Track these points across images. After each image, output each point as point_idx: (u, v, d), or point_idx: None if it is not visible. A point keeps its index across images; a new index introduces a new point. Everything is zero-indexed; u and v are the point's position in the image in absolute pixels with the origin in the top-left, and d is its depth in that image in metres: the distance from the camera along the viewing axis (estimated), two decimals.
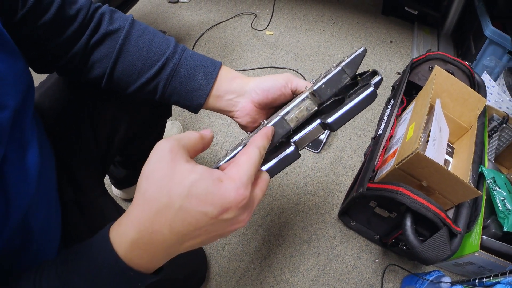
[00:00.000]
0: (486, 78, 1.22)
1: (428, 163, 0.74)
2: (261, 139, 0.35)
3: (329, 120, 0.39)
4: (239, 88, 0.49)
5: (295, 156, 0.39)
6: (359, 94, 0.38)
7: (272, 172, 0.38)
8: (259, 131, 0.37)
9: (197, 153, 0.32)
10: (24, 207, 0.38)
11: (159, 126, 0.82)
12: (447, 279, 0.83)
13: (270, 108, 0.51)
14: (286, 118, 0.40)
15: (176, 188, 0.27)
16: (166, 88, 0.49)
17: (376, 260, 0.95)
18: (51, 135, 0.53)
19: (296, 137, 0.41)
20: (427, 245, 0.71)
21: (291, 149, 0.39)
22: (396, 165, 0.79)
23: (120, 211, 0.66)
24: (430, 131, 0.82)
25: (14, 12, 0.40)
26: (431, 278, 0.85)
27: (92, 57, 0.47)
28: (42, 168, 0.43)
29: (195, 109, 0.51)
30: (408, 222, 0.74)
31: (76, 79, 0.51)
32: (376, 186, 0.77)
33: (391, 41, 1.50)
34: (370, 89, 0.37)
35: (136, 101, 0.63)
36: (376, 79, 0.40)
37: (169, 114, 0.78)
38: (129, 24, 0.47)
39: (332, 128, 0.40)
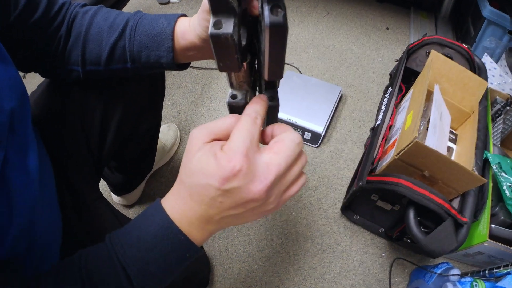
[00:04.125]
0: (487, 60, 1.18)
1: (428, 152, 0.71)
2: (251, 105, 0.34)
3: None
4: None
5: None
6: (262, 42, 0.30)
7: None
8: (251, 101, 0.36)
9: (227, 136, 0.33)
10: (28, 211, 0.39)
11: (152, 130, 0.81)
12: (455, 271, 0.80)
13: None
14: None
15: (188, 166, 0.31)
16: (132, 44, 0.48)
17: (383, 254, 0.93)
18: (45, 141, 0.54)
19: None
20: (432, 237, 0.69)
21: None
22: (396, 155, 0.76)
23: (116, 214, 0.67)
24: (429, 119, 0.79)
25: (8, 15, 0.43)
26: (439, 271, 0.83)
27: (69, 43, 0.49)
28: (42, 172, 0.45)
29: (169, 59, 0.48)
30: (411, 214, 0.72)
31: (60, 77, 0.53)
32: (376, 179, 0.75)
33: (387, 28, 1.47)
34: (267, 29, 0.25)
35: (125, 98, 0.63)
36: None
37: (157, 118, 0.79)
38: (99, 7, 0.51)
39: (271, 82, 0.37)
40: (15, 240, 0.37)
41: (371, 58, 1.34)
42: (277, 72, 0.30)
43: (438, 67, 0.90)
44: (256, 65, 0.38)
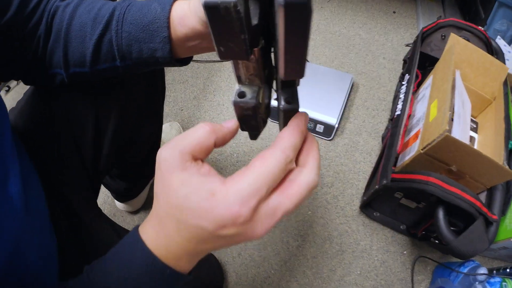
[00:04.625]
0: (500, 43, 1.13)
1: (459, 146, 0.66)
2: (289, 135, 0.26)
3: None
4: None
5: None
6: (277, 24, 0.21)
7: None
8: (289, 124, 0.28)
9: (209, 150, 0.27)
10: (12, 241, 0.35)
11: (154, 134, 0.75)
12: (483, 270, 0.76)
13: None
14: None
15: (172, 200, 0.25)
16: (120, 37, 0.40)
17: (405, 252, 0.89)
18: (33, 158, 0.48)
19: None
20: (463, 238, 0.64)
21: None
22: (422, 150, 0.71)
23: (119, 231, 0.62)
24: (454, 108, 0.74)
25: None
26: (465, 270, 0.79)
27: (49, 43, 0.42)
28: (29, 197, 0.41)
29: (165, 52, 0.40)
30: (441, 214, 0.67)
31: (44, 83, 0.47)
32: (402, 176, 0.69)
33: (394, 12, 1.40)
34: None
35: (120, 103, 0.56)
36: None
37: (159, 121, 0.73)
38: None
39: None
40: (2, 272, 0.34)
41: (380, 43, 1.27)
42: (296, 69, 0.22)
43: (459, 51, 0.84)
44: (273, 54, 0.30)
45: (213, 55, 1.22)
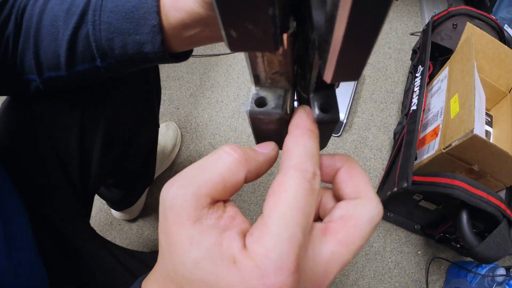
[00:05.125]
0: (509, 31, 1.09)
1: (486, 146, 0.62)
2: (295, 143, 0.19)
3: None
4: None
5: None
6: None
7: None
8: (290, 128, 0.20)
9: (237, 188, 0.19)
10: None
11: (149, 141, 0.68)
12: (501, 270, 0.73)
13: None
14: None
15: (178, 267, 0.17)
16: (98, 29, 0.33)
17: (419, 252, 0.85)
18: (13, 178, 0.42)
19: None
20: (487, 243, 0.61)
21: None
22: (443, 149, 0.66)
23: (116, 254, 0.56)
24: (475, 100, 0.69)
25: None
26: (483, 271, 0.76)
27: (19, 44, 0.35)
28: (10, 225, 0.37)
29: (156, 45, 0.32)
30: (464, 219, 0.63)
31: (18, 92, 0.39)
32: (425, 179, 0.65)
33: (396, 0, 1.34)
34: None
35: (108, 109, 0.48)
36: None
37: (154, 126, 0.65)
38: None
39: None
40: None
41: (384, 32, 1.22)
42: (353, 69, 0.15)
43: (474, 41, 0.79)
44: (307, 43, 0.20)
45: (210, 48, 1.15)
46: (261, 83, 0.20)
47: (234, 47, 0.15)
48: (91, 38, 0.33)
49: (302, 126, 0.19)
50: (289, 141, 0.19)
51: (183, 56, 0.36)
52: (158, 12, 0.30)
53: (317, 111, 0.20)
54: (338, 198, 0.20)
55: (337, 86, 0.22)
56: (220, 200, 0.18)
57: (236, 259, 0.16)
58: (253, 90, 0.21)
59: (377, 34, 0.13)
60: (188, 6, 0.29)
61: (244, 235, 0.17)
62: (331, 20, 0.13)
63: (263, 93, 0.20)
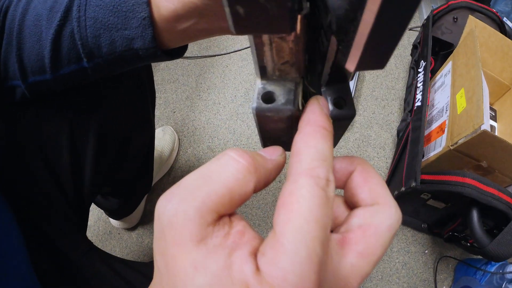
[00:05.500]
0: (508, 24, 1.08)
1: (496, 141, 0.60)
2: (306, 145, 0.16)
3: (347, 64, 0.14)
4: None
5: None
6: None
7: None
8: (300, 125, 0.17)
9: (245, 200, 0.16)
10: None
11: (145, 146, 0.65)
12: (511, 267, 0.72)
13: None
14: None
15: None
16: (84, 26, 0.30)
17: (426, 251, 0.84)
18: (3, 191, 0.39)
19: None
20: (498, 241, 0.59)
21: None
22: (451, 146, 0.64)
23: (116, 268, 0.53)
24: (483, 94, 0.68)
25: None
26: (493, 269, 0.74)
27: (2, 48, 0.33)
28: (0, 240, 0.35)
29: (147, 40, 0.29)
30: (475, 217, 0.61)
31: (3, 99, 0.36)
32: (434, 178, 0.63)
33: None
34: None
35: (99, 114, 0.46)
36: None
37: (150, 130, 0.63)
38: None
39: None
40: None
41: None
42: (380, 56, 0.13)
43: (477, 34, 0.78)
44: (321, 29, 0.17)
45: (205, 49, 1.12)
46: (268, 76, 0.18)
47: (241, 28, 0.12)
48: (76, 36, 0.30)
49: (314, 123, 0.17)
50: (298, 140, 0.16)
51: (177, 52, 0.34)
52: (148, 2, 0.28)
53: (331, 106, 0.18)
54: (351, 204, 0.18)
55: (352, 78, 0.20)
56: (225, 215, 0.16)
57: (250, 284, 0.14)
58: (258, 84, 0.18)
59: (407, 20, 0.11)
60: (176, 9, 0.27)
61: (255, 254, 0.15)
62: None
63: (271, 87, 0.18)
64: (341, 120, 0.18)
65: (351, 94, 0.19)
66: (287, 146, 0.20)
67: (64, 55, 0.32)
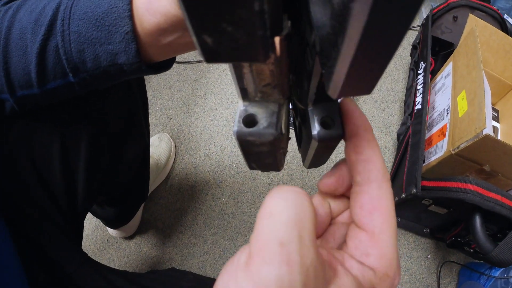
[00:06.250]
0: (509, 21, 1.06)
1: (498, 145, 0.58)
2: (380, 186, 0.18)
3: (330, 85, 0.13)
4: None
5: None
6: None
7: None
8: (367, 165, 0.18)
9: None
10: None
11: (140, 155, 0.64)
12: None
13: None
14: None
15: None
16: (68, 40, 0.29)
17: (429, 256, 0.82)
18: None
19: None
20: (503, 247, 0.58)
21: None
22: (453, 150, 0.63)
23: (111, 280, 0.53)
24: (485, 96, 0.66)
25: None
26: (497, 274, 0.73)
27: None
28: None
29: (131, 56, 0.29)
30: (478, 223, 0.59)
31: None
32: (435, 184, 0.61)
33: None
34: None
35: (90, 124, 0.45)
36: None
37: (144, 138, 0.62)
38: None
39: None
40: None
41: None
42: (366, 81, 0.12)
43: (478, 33, 0.76)
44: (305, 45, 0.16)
45: None
46: (250, 98, 0.17)
47: (211, 57, 0.12)
48: (61, 51, 0.30)
49: (368, 126, 0.18)
50: (366, 147, 0.18)
51: (163, 66, 0.33)
52: (131, 16, 0.27)
53: (317, 126, 0.17)
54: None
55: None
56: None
57: (374, 283, 0.17)
58: (240, 106, 0.17)
59: (406, 30, 0.09)
60: (163, 8, 0.26)
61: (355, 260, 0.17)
62: (342, 17, 0.10)
63: (253, 110, 0.17)
64: (329, 141, 0.18)
65: (339, 114, 0.18)
66: (272, 166, 0.20)
67: (50, 70, 0.31)
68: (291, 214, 0.14)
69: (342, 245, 0.19)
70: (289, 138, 0.24)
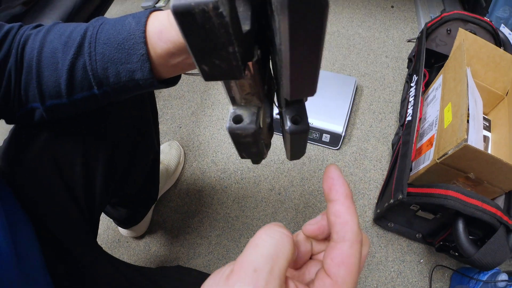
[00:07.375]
0: (504, 31, 1.08)
1: (478, 154, 0.62)
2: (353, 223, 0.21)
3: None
4: None
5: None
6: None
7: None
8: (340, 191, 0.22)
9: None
10: None
11: (149, 159, 0.71)
12: (503, 276, 0.73)
13: None
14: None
15: None
16: (94, 60, 0.36)
17: (421, 261, 0.85)
18: (21, 202, 0.46)
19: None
20: (484, 251, 0.61)
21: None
22: (438, 159, 0.67)
23: (123, 272, 0.58)
24: (467, 109, 0.70)
25: None
26: (485, 278, 0.75)
27: (22, 76, 0.39)
28: (19, 245, 0.39)
29: (145, 73, 0.36)
30: (460, 228, 0.63)
31: (23, 120, 0.43)
32: (419, 191, 0.65)
33: (392, 6, 1.35)
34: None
35: (108, 134, 0.52)
36: None
37: (154, 146, 0.68)
38: (55, 23, 0.40)
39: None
40: None
41: (381, 40, 1.23)
42: (307, 86, 0.18)
43: (468, 47, 0.80)
44: (271, 62, 0.24)
45: None
46: (237, 103, 0.23)
47: (208, 78, 0.18)
48: (88, 68, 0.37)
49: (348, 195, 0.21)
50: (344, 211, 0.21)
51: (172, 81, 0.40)
52: (145, 42, 0.34)
53: (289, 123, 0.23)
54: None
55: (306, 100, 0.25)
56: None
57: None
58: (230, 109, 0.24)
59: (316, 60, 0.16)
60: (172, 37, 0.33)
61: None
62: (279, 52, 0.16)
63: (240, 111, 0.23)
64: (299, 134, 0.24)
65: (306, 113, 0.24)
66: (257, 154, 0.26)
67: (78, 83, 0.38)
68: (271, 250, 0.18)
69: (313, 280, 0.22)
70: (272, 134, 0.30)
